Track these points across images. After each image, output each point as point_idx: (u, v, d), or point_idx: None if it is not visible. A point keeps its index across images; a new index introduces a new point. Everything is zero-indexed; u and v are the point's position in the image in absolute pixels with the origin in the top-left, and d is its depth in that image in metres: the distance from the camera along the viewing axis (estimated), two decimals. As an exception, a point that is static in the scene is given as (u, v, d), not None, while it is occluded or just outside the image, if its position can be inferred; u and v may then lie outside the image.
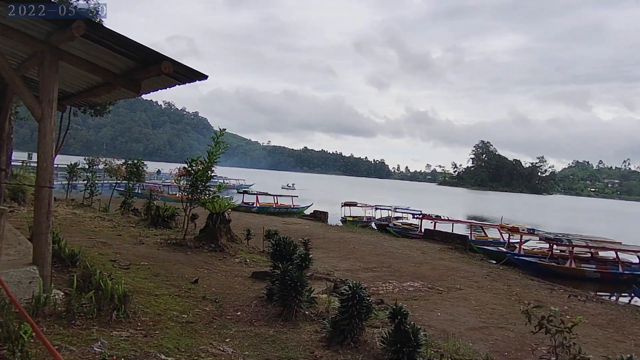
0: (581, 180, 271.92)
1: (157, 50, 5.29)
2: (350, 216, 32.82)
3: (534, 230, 22.53)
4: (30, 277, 5.39)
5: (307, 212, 37.82)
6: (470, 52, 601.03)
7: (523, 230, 22.37)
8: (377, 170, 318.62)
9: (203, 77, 5.76)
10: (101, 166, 19.54)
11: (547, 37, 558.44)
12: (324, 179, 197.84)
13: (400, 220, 31.71)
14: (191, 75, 5.74)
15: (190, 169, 10.47)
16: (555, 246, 22.08)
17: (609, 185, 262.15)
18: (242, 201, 35.92)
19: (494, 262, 21.88)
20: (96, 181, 18.03)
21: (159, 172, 63.70)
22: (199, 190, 10.41)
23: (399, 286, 14.12)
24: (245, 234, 11.99)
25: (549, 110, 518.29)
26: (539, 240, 22.10)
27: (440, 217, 28.39)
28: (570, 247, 20.03)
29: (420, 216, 28.09)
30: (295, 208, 38.25)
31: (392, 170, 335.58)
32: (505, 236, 25.76)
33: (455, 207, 74.02)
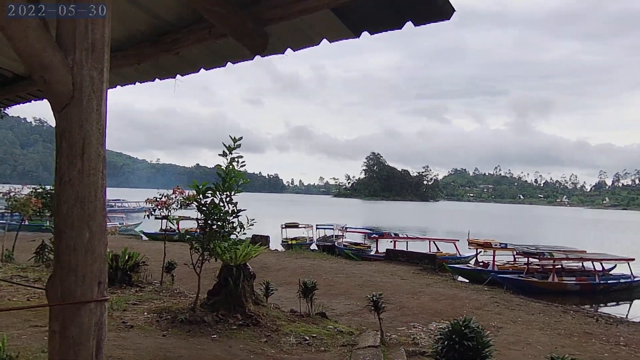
0: (461, 186, 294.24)
1: None
2: (291, 239, 29.53)
3: (506, 244, 21.30)
4: None
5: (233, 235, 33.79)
6: (348, 68, 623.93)
7: (495, 245, 21.01)
8: (272, 185, 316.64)
9: (447, 14, 2.61)
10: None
11: (415, 56, 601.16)
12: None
13: (344, 240, 29.19)
14: (427, 12, 2.58)
15: (200, 201, 6.76)
16: (521, 258, 21.33)
17: (485, 190, 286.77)
18: (161, 228, 31.14)
19: (467, 280, 20.40)
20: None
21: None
22: (215, 234, 6.74)
23: (427, 330, 11.49)
24: (263, 289, 8.41)
25: (421, 122, 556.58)
26: (516, 254, 20.95)
27: (398, 235, 26.35)
28: (552, 261, 19.03)
29: (376, 235, 25.79)
30: (221, 232, 33.99)
31: (287, 185, 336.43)
32: (467, 252, 24.59)
33: (355, 218, 73.74)
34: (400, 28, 2.76)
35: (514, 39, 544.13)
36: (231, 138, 7.04)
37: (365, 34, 2.92)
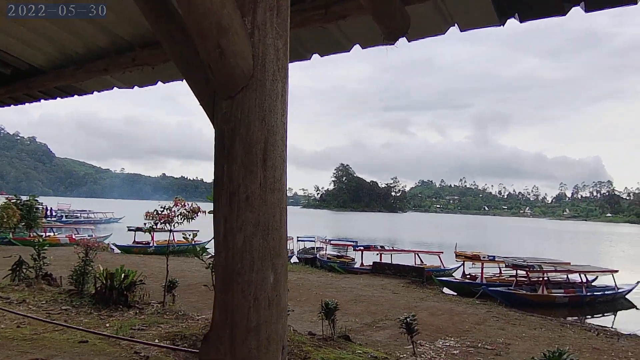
0: (428, 197, 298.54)
1: None
2: (272, 251, 28.67)
3: (494, 257, 21.24)
4: None
5: (209, 247, 32.71)
6: (316, 80, 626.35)
7: (484, 257, 20.90)
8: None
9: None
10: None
11: (385, 69, 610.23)
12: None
13: (326, 252, 28.62)
14: None
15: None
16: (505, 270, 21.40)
17: (451, 201, 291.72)
18: (134, 240, 29.96)
19: (455, 293, 20.19)
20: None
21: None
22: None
23: (435, 348, 11.07)
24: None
25: (389, 134, 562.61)
26: (505, 267, 20.86)
27: (384, 247, 25.99)
28: (542, 273, 19.05)
29: (361, 248, 25.33)
30: (198, 244, 32.83)
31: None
32: (450, 264, 24.50)
33: (325, 229, 73.24)
34: (565, 14, 2.31)
35: (481, 55, 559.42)
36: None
37: (512, 21, 2.45)
